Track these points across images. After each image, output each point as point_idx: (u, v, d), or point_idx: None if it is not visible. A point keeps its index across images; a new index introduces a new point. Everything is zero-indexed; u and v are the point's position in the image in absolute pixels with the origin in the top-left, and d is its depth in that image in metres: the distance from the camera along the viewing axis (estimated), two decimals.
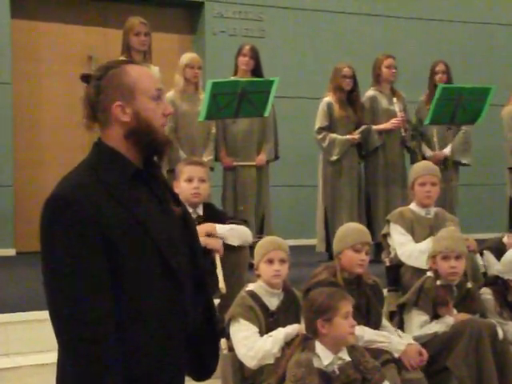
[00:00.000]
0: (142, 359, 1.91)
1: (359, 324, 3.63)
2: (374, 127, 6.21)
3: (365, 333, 3.63)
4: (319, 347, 3.13)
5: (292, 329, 3.48)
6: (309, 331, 3.18)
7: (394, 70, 6.27)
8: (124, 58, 5.20)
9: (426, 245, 4.24)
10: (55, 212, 1.87)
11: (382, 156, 6.26)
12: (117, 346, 1.85)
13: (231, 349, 3.54)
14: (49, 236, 1.87)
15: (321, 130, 6.06)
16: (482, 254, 4.69)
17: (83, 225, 1.84)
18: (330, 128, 6.06)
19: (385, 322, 3.90)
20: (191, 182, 4.06)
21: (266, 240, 3.73)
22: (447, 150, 6.31)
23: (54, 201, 1.88)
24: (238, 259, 4.09)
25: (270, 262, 3.57)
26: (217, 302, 3.88)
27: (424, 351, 3.70)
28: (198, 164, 4.20)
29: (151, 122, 1.99)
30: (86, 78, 2.03)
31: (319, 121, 6.09)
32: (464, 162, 6.43)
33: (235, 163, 5.86)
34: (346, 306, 3.13)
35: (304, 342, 3.19)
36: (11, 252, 6.88)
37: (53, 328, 1.87)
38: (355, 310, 3.65)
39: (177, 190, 3.98)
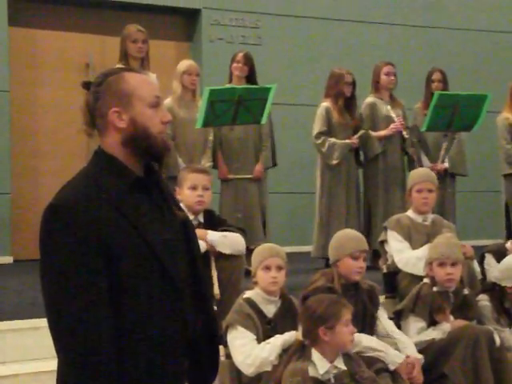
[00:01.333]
0: (141, 366, 1.91)
1: (356, 329, 3.64)
2: (374, 134, 6.22)
3: (362, 338, 3.63)
4: (315, 355, 3.14)
5: (289, 336, 3.47)
6: (307, 339, 3.18)
7: (392, 78, 6.28)
8: (122, 66, 5.21)
9: (423, 252, 4.24)
10: (54, 220, 1.87)
11: (383, 161, 6.25)
12: (115, 353, 1.85)
13: (229, 356, 3.54)
14: (47, 244, 1.88)
15: (320, 134, 6.05)
16: (483, 257, 4.70)
17: (81, 233, 1.85)
18: (328, 133, 6.07)
19: (392, 326, 3.88)
20: (195, 190, 4.05)
21: (263, 247, 3.73)
22: (446, 164, 6.32)
23: (53, 209, 1.89)
24: (234, 266, 4.09)
25: (267, 268, 3.57)
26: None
27: (419, 374, 3.63)
28: (202, 172, 4.20)
29: (148, 129, 1.99)
30: (86, 86, 2.05)
31: (318, 126, 6.07)
32: (461, 173, 6.48)
33: (232, 176, 5.85)
34: (347, 314, 3.17)
35: (300, 350, 3.19)
36: (8, 260, 6.86)
37: (51, 335, 1.87)
38: (352, 316, 3.65)
39: (179, 197, 3.97)
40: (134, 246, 1.91)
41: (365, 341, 3.62)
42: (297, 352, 3.20)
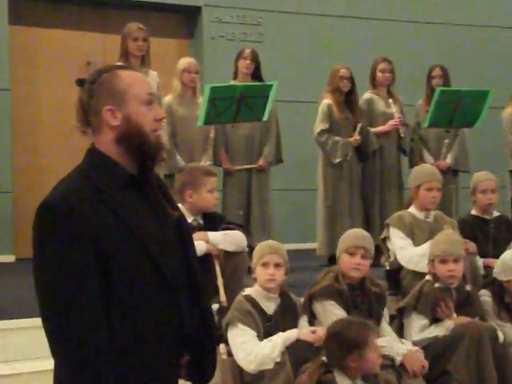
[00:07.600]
0: (135, 363, 1.91)
1: None
2: (372, 130, 6.21)
3: None
4: (338, 376, 3.17)
5: (291, 333, 3.48)
6: (333, 363, 3.20)
7: (387, 74, 6.26)
8: (121, 64, 5.20)
9: (426, 249, 4.22)
10: (46, 218, 1.88)
11: (379, 159, 6.25)
12: (108, 348, 1.85)
13: (230, 354, 3.54)
14: (39, 242, 1.89)
15: (323, 132, 6.03)
16: None
17: (74, 230, 1.86)
18: (330, 130, 6.04)
19: (388, 327, 3.87)
20: (213, 193, 4.15)
21: (263, 244, 3.73)
22: (449, 160, 6.31)
23: (45, 207, 1.90)
24: (237, 263, 4.10)
25: (265, 265, 3.58)
26: (216, 306, 3.87)
27: (425, 361, 3.64)
28: (215, 175, 4.30)
29: (141, 127, 1.99)
30: (81, 83, 2.06)
31: (321, 124, 6.03)
32: (464, 169, 6.46)
33: (237, 167, 5.84)
34: (374, 337, 3.21)
35: (323, 373, 3.19)
36: (10, 258, 6.86)
37: (45, 334, 1.89)
38: (357, 315, 3.65)
39: (192, 200, 4.02)
40: (126, 243, 1.91)
41: None
42: (317, 372, 3.21)
